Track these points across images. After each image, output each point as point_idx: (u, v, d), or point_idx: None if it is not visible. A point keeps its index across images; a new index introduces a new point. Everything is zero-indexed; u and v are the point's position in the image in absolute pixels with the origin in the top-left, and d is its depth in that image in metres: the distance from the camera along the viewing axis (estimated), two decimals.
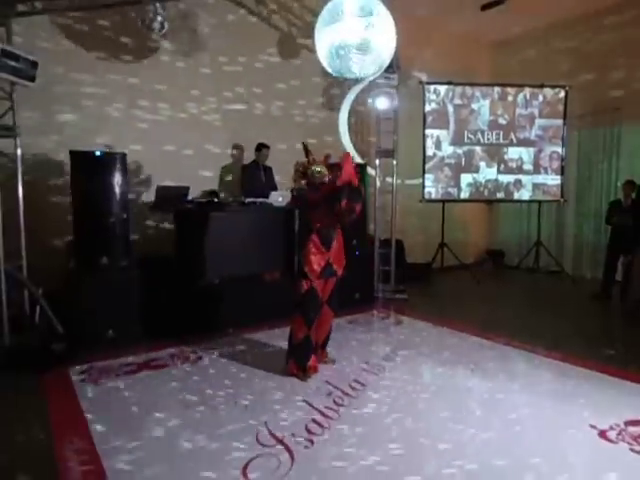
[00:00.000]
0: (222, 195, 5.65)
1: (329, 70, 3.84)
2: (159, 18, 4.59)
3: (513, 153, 7.39)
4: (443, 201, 7.39)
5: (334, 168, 3.56)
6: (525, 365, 3.87)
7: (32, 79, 4.14)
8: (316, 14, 3.92)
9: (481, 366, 3.81)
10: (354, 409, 3.08)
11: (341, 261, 3.65)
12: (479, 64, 8.40)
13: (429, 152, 7.18)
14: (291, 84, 6.54)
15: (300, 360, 3.59)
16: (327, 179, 3.52)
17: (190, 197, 4.94)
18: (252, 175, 5.70)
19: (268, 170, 5.85)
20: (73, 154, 4.28)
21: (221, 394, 3.30)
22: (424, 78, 7.24)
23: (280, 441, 2.66)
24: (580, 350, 4.17)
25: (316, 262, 3.51)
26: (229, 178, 6.15)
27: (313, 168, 3.50)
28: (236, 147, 6.21)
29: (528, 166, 7.42)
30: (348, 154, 3.61)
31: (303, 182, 3.58)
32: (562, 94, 7.32)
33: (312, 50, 3.89)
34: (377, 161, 6.43)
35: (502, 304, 6.08)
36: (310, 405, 3.12)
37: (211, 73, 5.94)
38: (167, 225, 5.49)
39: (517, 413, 3.02)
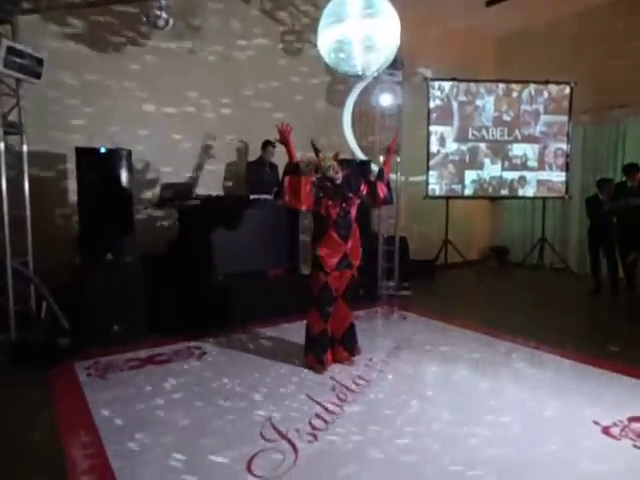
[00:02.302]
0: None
1: (332, 67, 3.84)
2: (163, 15, 4.59)
3: (518, 150, 7.37)
4: (447, 198, 7.38)
5: (344, 164, 3.67)
6: (529, 361, 3.87)
7: (38, 76, 4.16)
8: (321, 8, 3.91)
9: (485, 362, 3.82)
10: (357, 405, 3.09)
11: (357, 254, 3.71)
12: (484, 60, 8.36)
13: (433, 149, 7.16)
14: (295, 80, 6.53)
15: (318, 353, 3.65)
16: (339, 175, 3.55)
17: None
18: (257, 172, 5.71)
19: (274, 167, 5.86)
20: (78, 150, 4.30)
21: (225, 389, 3.32)
22: (428, 74, 7.21)
23: (284, 436, 2.68)
24: (583, 346, 4.18)
25: (332, 255, 3.56)
26: (235, 175, 6.17)
27: (325, 163, 3.54)
28: (241, 144, 6.21)
29: (533, 163, 7.40)
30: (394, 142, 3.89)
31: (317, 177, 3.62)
32: (567, 90, 7.29)
33: (316, 45, 3.89)
34: (381, 158, 6.41)
35: (506, 301, 6.07)
36: (314, 400, 3.14)
37: (214, 69, 5.94)
38: (172, 221, 5.51)
39: (520, 409, 3.03)
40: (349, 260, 3.64)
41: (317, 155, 3.63)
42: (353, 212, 3.64)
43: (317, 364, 3.64)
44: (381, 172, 3.81)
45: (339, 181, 3.56)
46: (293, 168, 3.48)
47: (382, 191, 3.72)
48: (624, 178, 6.02)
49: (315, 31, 3.86)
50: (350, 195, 3.58)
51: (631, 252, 5.70)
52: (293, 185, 3.44)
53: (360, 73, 3.73)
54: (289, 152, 3.48)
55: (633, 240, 5.67)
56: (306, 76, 6.57)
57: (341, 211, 3.56)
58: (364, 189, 3.70)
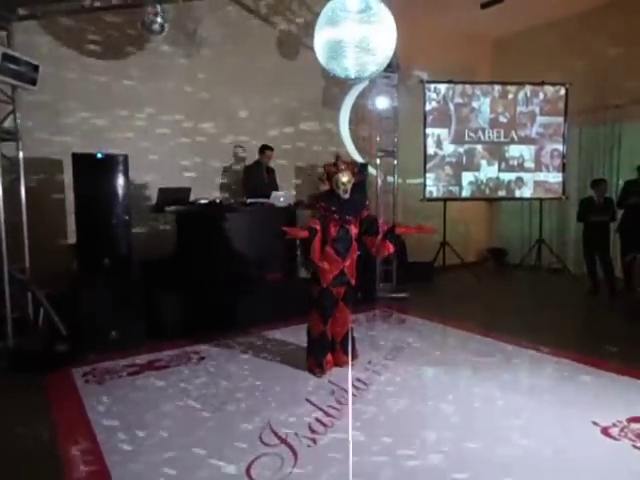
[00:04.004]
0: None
1: (327, 70, 3.84)
2: (159, 20, 4.60)
3: (514, 151, 7.38)
4: (444, 200, 7.38)
5: (357, 176, 3.64)
6: (527, 363, 3.88)
7: (33, 82, 4.16)
8: (316, 12, 3.92)
9: (483, 364, 3.82)
10: (357, 408, 3.08)
11: (353, 274, 3.70)
12: (479, 62, 8.39)
13: (430, 151, 7.17)
14: (291, 83, 6.54)
15: (318, 356, 3.65)
16: (347, 195, 3.54)
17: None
18: (255, 176, 5.72)
19: (271, 171, 5.87)
20: (75, 157, 4.30)
21: (224, 394, 3.31)
22: (424, 77, 7.23)
23: (283, 440, 2.67)
24: (582, 347, 4.18)
25: (329, 271, 3.55)
26: (231, 179, 6.17)
27: (339, 176, 3.50)
28: (238, 148, 6.22)
29: (529, 164, 7.41)
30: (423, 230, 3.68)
31: (326, 187, 3.61)
32: (562, 91, 7.31)
33: (312, 49, 3.90)
34: (378, 160, 6.44)
35: (504, 302, 6.07)
36: (313, 404, 3.13)
37: (211, 73, 5.95)
38: (170, 226, 5.50)
39: (519, 410, 3.02)
40: (346, 277, 3.63)
41: (337, 164, 3.54)
42: (354, 231, 3.62)
43: (316, 368, 3.63)
44: (393, 229, 3.62)
45: (344, 199, 3.56)
46: (310, 236, 3.51)
47: (388, 250, 3.62)
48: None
49: (311, 35, 3.88)
50: (350, 218, 3.58)
51: (629, 252, 5.72)
52: (314, 248, 3.51)
53: (354, 77, 3.73)
54: (298, 235, 3.58)
55: (633, 240, 5.68)
56: (302, 80, 6.57)
57: (340, 229, 3.56)
58: (365, 212, 3.69)
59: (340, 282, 3.61)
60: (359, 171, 3.82)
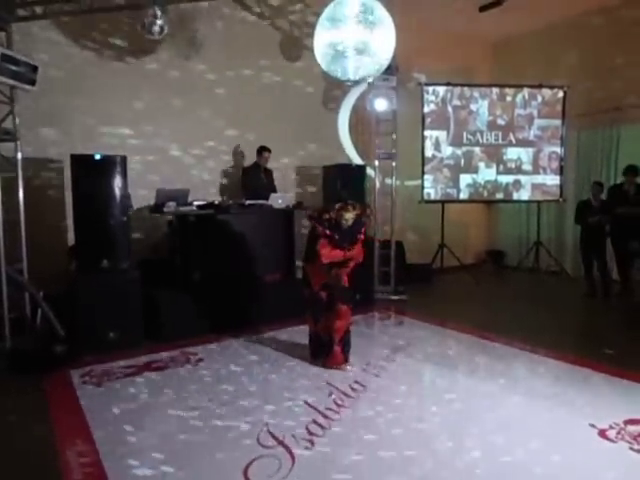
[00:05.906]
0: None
1: (327, 71, 3.86)
2: (159, 22, 4.60)
3: (512, 153, 7.40)
4: (442, 202, 7.40)
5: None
6: (525, 365, 3.89)
7: (32, 83, 4.16)
8: (318, 14, 3.94)
9: (481, 367, 3.83)
10: (354, 410, 3.08)
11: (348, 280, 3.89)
12: (478, 65, 8.40)
13: (428, 153, 7.19)
14: (291, 85, 6.55)
15: (313, 349, 3.96)
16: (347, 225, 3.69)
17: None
18: (253, 177, 5.73)
19: (269, 172, 5.88)
20: (74, 158, 4.30)
21: (222, 396, 3.31)
22: (423, 79, 7.26)
23: (281, 442, 2.67)
24: (579, 349, 4.19)
25: (319, 281, 3.78)
26: (230, 180, 6.17)
27: (343, 213, 3.66)
28: (236, 149, 6.22)
29: (527, 166, 7.43)
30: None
31: (329, 216, 3.73)
32: (560, 94, 7.34)
33: (312, 51, 3.91)
34: (376, 162, 6.44)
35: (502, 304, 6.08)
36: (311, 406, 3.13)
37: (211, 75, 5.96)
38: (168, 227, 5.49)
39: (517, 412, 3.03)
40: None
41: (347, 205, 3.69)
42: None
43: (313, 358, 3.91)
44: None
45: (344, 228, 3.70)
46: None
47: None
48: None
49: (312, 36, 3.88)
50: (346, 245, 3.72)
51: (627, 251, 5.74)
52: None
53: (352, 79, 3.75)
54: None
55: (624, 246, 5.73)
56: (303, 81, 6.58)
57: (338, 249, 3.71)
58: (361, 236, 3.82)
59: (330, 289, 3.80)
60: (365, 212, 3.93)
